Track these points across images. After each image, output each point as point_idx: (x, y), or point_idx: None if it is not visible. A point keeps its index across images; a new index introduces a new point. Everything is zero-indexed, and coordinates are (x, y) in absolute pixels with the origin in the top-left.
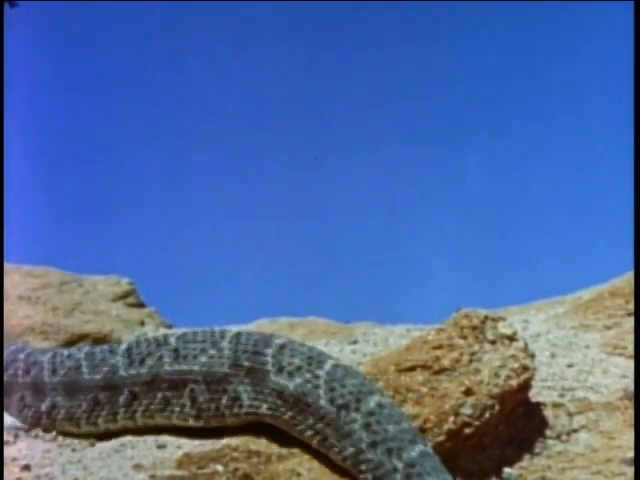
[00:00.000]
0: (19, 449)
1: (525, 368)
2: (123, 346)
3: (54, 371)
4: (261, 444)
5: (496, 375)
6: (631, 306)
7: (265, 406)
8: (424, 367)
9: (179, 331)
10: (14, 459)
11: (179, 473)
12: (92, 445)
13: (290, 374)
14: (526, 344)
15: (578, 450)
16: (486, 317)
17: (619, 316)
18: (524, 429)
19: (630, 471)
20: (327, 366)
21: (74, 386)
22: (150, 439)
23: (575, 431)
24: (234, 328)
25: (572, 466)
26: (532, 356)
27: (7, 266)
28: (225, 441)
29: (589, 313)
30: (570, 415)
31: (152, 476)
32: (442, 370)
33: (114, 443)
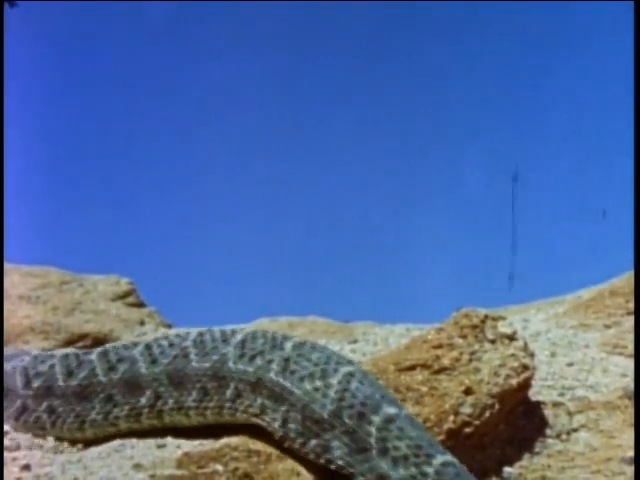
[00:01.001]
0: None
1: (525, 367)
2: (238, 337)
3: (153, 362)
4: (261, 444)
5: (496, 374)
6: (631, 305)
7: (361, 478)
8: (424, 366)
9: (295, 339)
10: (14, 459)
11: (179, 473)
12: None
13: (395, 461)
14: (526, 343)
15: (578, 449)
16: (486, 316)
17: (619, 315)
18: (524, 428)
19: (630, 470)
20: (436, 462)
21: (181, 375)
22: (150, 439)
23: (575, 430)
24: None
25: (572, 465)
26: (532, 355)
27: (7, 266)
28: (225, 440)
29: (589, 312)
30: (570, 414)
31: (152, 476)
32: (442, 369)
33: (114, 443)
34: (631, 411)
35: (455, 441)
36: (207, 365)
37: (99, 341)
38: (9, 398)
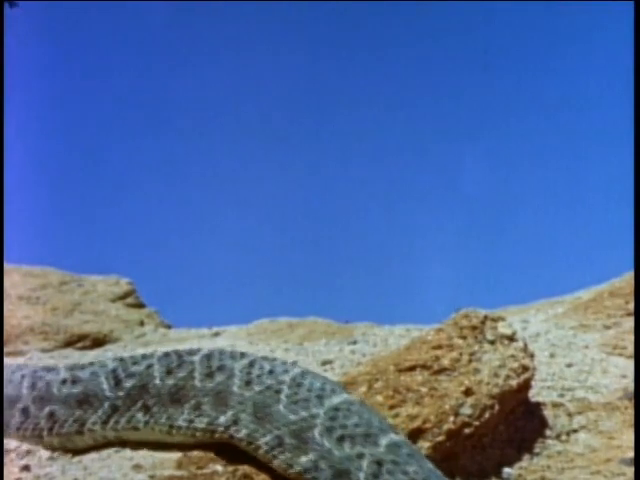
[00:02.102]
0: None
1: (525, 368)
2: (334, 400)
3: (248, 383)
4: None
5: (496, 375)
6: (631, 306)
7: None
8: (424, 367)
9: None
10: (14, 459)
11: (179, 473)
12: None
13: None
14: (526, 344)
15: (578, 450)
16: (486, 317)
17: (619, 316)
18: (524, 429)
19: (630, 471)
20: None
21: (266, 412)
22: None
23: (575, 431)
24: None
25: (572, 466)
26: (532, 356)
27: (7, 266)
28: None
29: (589, 313)
30: (570, 415)
31: (152, 476)
32: (442, 370)
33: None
34: (631, 412)
35: (455, 442)
36: (293, 418)
37: (99, 342)
38: (89, 404)
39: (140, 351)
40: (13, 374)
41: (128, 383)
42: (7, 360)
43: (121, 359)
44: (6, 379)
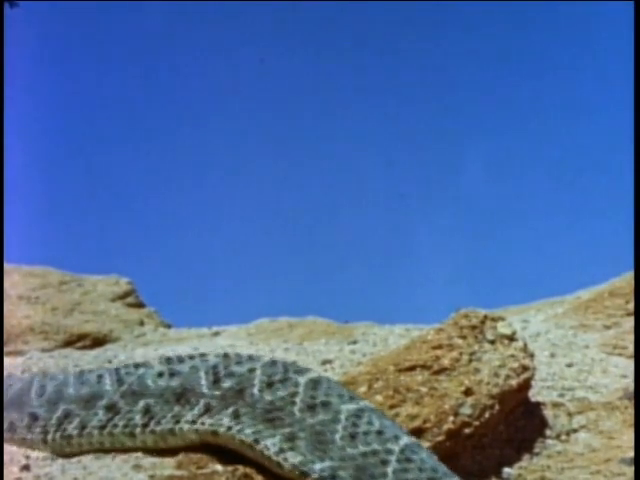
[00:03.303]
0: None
1: (525, 368)
2: (405, 441)
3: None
4: None
5: (496, 375)
6: (631, 306)
7: None
8: (424, 367)
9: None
10: (14, 458)
11: (179, 473)
12: None
13: None
14: (525, 344)
15: (578, 450)
16: (485, 317)
17: (619, 316)
18: (524, 429)
19: (630, 471)
20: None
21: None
22: None
23: (575, 431)
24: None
25: (571, 466)
26: (532, 356)
27: (7, 266)
28: None
29: (589, 313)
30: (570, 415)
31: (152, 476)
32: (442, 370)
33: None
34: (631, 412)
35: (455, 442)
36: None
37: (99, 341)
38: (187, 397)
39: (140, 351)
40: (87, 375)
41: (226, 383)
42: (21, 360)
43: (225, 355)
44: (58, 382)
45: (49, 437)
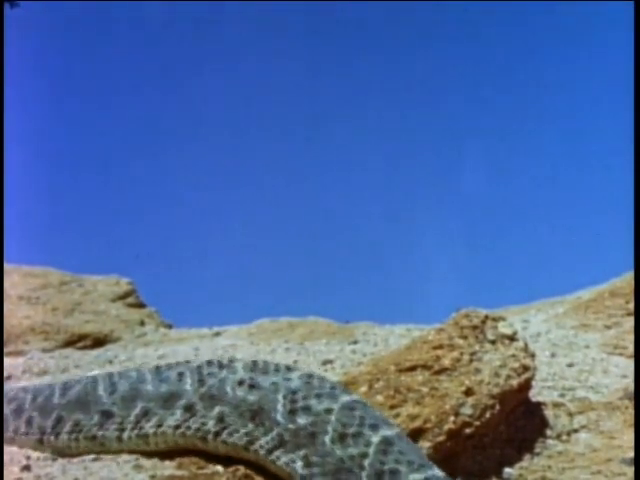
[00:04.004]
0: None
1: (525, 368)
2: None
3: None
4: None
5: (496, 375)
6: (631, 306)
7: None
8: (424, 367)
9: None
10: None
11: (179, 473)
12: None
13: None
14: (526, 344)
15: (578, 450)
16: (486, 317)
17: (619, 316)
18: (524, 429)
19: (630, 471)
20: None
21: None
22: None
23: (575, 431)
24: None
25: (572, 466)
26: (532, 356)
27: (7, 266)
28: None
29: (589, 313)
30: (570, 415)
31: (152, 476)
32: (442, 370)
33: None
34: (631, 412)
35: (455, 442)
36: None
37: (99, 341)
38: (262, 419)
39: (141, 351)
40: (167, 372)
41: (302, 419)
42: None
43: (308, 379)
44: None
45: (125, 435)
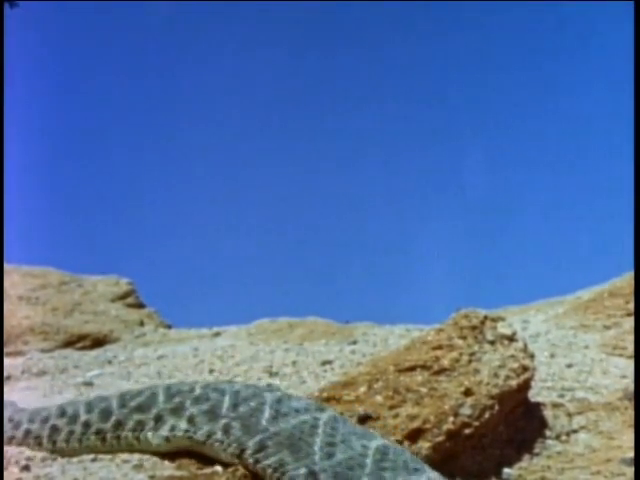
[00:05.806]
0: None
1: (525, 368)
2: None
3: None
4: None
5: (495, 375)
6: (631, 306)
7: None
8: (424, 367)
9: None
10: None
11: (179, 473)
12: None
13: None
14: (525, 344)
15: (578, 450)
16: (485, 317)
17: (619, 316)
18: (524, 429)
19: (630, 471)
20: None
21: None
22: None
23: (575, 431)
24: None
25: (572, 466)
26: (532, 356)
27: (7, 266)
28: None
29: (589, 313)
30: (570, 415)
31: (152, 476)
32: (441, 370)
33: None
34: (631, 412)
35: (455, 442)
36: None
37: (99, 342)
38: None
39: (140, 351)
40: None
41: (338, 457)
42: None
43: (335, 417)
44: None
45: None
